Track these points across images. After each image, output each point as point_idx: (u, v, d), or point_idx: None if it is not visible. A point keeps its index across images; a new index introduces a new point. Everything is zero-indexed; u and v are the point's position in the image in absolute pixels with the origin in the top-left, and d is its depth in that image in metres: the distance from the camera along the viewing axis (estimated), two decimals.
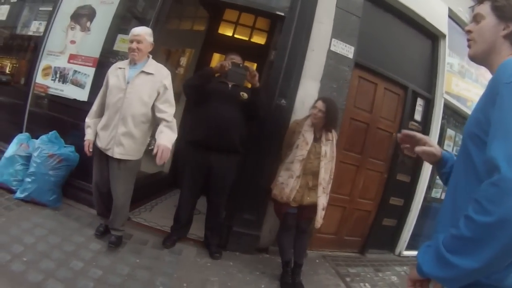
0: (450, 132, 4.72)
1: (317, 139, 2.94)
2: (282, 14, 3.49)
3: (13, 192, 3.18)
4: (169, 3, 3.68)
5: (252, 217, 3.42)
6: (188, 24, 5.76)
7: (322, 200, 2.91)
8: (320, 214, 2.91)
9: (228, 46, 4.50)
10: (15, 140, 3.37)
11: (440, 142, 4.54)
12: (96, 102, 2.85)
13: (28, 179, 3.12)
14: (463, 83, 4.84)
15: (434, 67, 4.52)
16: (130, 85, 2.62)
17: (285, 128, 3.23)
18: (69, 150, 3.30)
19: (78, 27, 3.68)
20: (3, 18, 4.26)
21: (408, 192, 4.46)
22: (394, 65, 4.17)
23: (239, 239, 3.39)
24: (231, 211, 3.44)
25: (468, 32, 1.21)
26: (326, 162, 2.92)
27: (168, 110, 2.69)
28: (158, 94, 2.67)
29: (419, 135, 1.43)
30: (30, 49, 4.07)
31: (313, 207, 2.90)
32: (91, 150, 2.76)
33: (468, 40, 1.21)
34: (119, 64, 2.80)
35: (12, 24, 4.24)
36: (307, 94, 3.46)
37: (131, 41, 2.66)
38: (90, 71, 3.53)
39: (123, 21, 3.63)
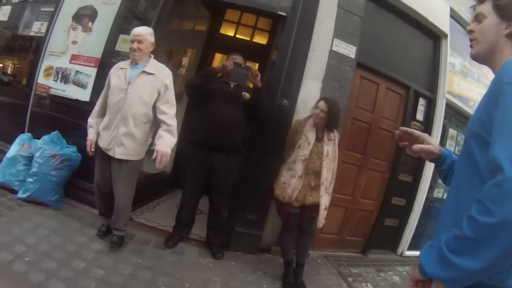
0: (452, 131, 4.71)
1: (319, 139, 2.94)
2: (284, 14, 3.49)
3: (15, 192, 3.18)
4: (170, 3, 3.67)
5: (254, 217, 3.42)
6: (190, 24, 5.76)
7: (325, 200, 2.91)
8: (323, 214, 2.90)
9: (230, 46, 4.49)
10: (17, 140, 3.37)
11: (442, 142, 4.53)
12: (98, 102, 2.85)
13: (30, 179, 3.13)
14: (465, 82, 4.83)
15: (436, 66, 4.51)
16: (131, 85, 2.63)
17: (287, 128, 3.23)
18: (71, 150, 3.30)
19: (79, 27, 3.69)
20: (5, 18, 4.28)
21: (410, 192, 4.45)
22: (396, 65, 4.17)
23: (241, 239, 3.39)
24: (233, 211, 3.44)
25: (470, 31, 1.21)
26: (328, 162, 2.91)
27: (169, 111, 2.69)
28: (159, 94, 2.67)
29: (417, 132, 1.43)
30: (32, 49, 4.07)
31: (315, 207, 2.90)
32: (93, 150, 2.76)
33: (471, 40, 1.21)
34: (121, 64, 2.81)
35: (14, 24, 4.25)
36: (309, 94, 3.46)
37: (132, 41, 2.66)
38: (92, 71, 3.53)
39: (124, 21, 3.63)
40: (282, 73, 3.39)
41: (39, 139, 3.30)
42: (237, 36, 5.54)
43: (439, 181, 4.51)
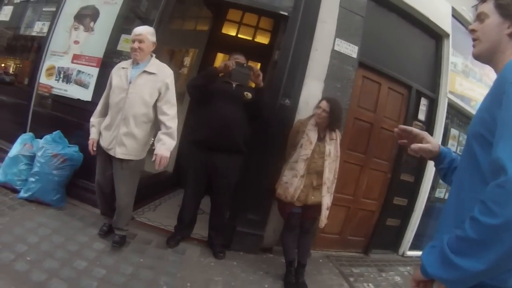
0: (454, 131, 4.70)
1: (321, 139, 2.93)
2: (286, 13, 3.48)
3: (17, 191, 3.19)
4: (172, 3, 3.67)
5: (256, 217, 3.42)
6: (192, 24, 5.77)
7: (327, 200, 2.91)
8: (325, 213, 2.90)
9: (232, 46, 4.49)
10: (19, 140, 3.38)
11: (444, 141, 4.52)
12: (101, 102, 2.86)
13: (32, 179, 3.13)
14: (467, 82, 4.81)
15: (438, 66, 4.50)
16: (132, 85, 2.63)
17: (289, 128, 3.23)
18: (73, 150, 3.31)
19: (81, 27, 3.69)
20: (7, 19, 4.29)
21: (412, 192, 4.44)
22: (398, 64, 4.16)
23: (243, 238, 3.39)
24: (235, 211, 3.44)
25: (472, 31, 1.20)
26: (330, 161, 2.91)
27: (169, 112, 2.69)
28: (160, 93, 2.67)
29: (416, 130, 1.42)
30: (33, 49, 4.09)
31: (317, 206, 2.90)
32: (95, 149, 2.77)
33: (473, 39, 1.20)
34: (122, 64, 2.81)
35: (15, 24, 4.27)
36: (311, 94, 3.45)
37: (133, 41, 2.66)
38: (94, 71, 3.53)
39: (126, 21, 3.62)
40: (284, 73, 3.39)
41: (41, 138, 3.31)
42: (239, 35, 5.54)
43: (441, 181, 4.49)
